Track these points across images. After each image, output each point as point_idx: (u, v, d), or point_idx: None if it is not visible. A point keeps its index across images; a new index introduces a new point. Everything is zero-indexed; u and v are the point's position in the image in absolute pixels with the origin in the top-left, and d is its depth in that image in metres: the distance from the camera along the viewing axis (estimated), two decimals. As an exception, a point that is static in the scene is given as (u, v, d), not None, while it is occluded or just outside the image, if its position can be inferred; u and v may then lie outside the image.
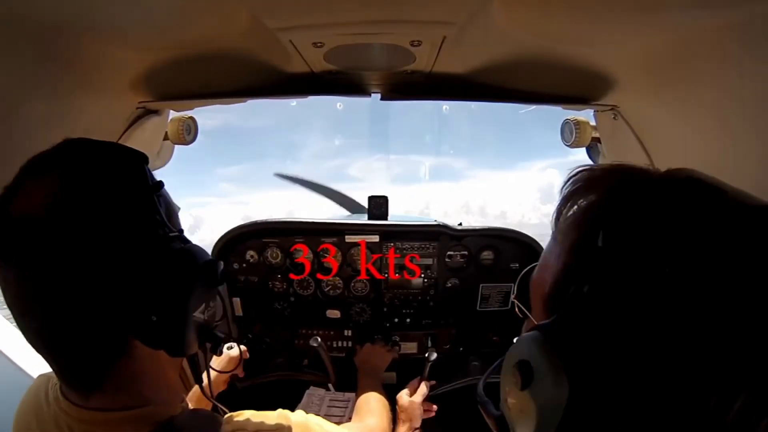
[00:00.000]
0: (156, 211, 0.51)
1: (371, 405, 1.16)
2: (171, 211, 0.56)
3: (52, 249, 0.44)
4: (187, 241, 0.55)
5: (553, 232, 0.43)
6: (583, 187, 0.42)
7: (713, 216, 0.33)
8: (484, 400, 0.57)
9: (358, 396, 1.24)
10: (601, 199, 0.39)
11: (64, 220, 0.45)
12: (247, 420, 0.59)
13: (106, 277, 0.47)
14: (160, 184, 0.54)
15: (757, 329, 0.30)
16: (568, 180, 0.43)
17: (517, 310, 0.52)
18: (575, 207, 0.41)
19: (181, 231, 0.55)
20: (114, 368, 0.51)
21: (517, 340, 0.40)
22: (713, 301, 0.31)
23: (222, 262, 0.60)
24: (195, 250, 0.54)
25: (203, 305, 0.55)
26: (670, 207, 0.34)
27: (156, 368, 0.55)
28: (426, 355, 1.42)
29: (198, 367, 0.61)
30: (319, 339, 1.45)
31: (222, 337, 0.61)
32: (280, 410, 0.65)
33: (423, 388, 1.33)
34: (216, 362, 1.25)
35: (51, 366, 0.52)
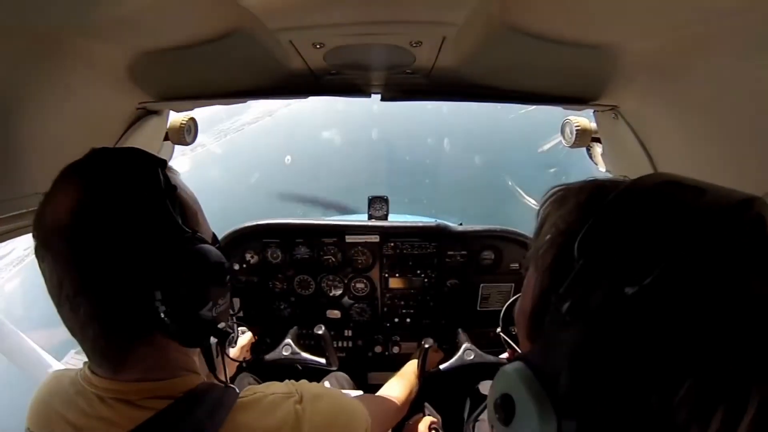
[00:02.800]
0: (169, 213, 0.55)
1: (393, 382, 1.25)
2: (189, 212, 0.61)
3: (77, 248, 0.51)
4: (203, 241, 0.59)
5: (533, 258, 0.41)
6: (555, 208, 0.40)
7: (685, 222, 0.31)
8: None
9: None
10: (571, 216, 0.37)
11: (83, 224, 0.51)
12: (263, 386, 0.64)
13: (122, 272, 0.52)
14: (175, 187, 0.58)
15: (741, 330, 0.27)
16: (544, 202, 0.42)
17: (503, 342, 0.51)
18: (549, 227, 0.39)
19: (195, 231, 0.59)
20: (138, 350, 0.56)
21: (499, 372, 0.38)
22: (692, 309, 0.28)
23: (229, 263, 0.63)
24: (206, 251, 0.58)
25: (210, 303, 0.58)
26: (641, 217, 0.32)
27: (177, 350, 0.60)
28: (422, 342, 1.42)
29: (212, 358, 0.64)
30: (324, 327, 1.45)
31: (229, 333, 0.64)
32: (290, 381, 0.69)
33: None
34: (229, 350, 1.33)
35: (83, 348, 0.56)
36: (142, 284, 0.53)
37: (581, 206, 0.37)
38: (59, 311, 0.54)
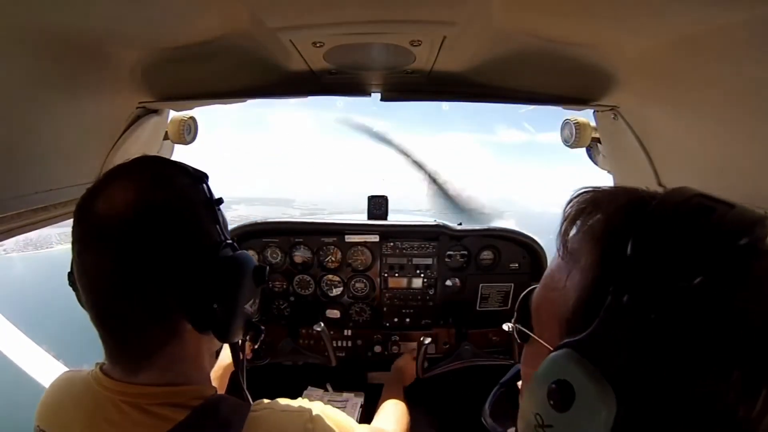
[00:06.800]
0: (217, 220, 0.62)
1: (391, 410, 1.23)
2: (225, 222, 0.67)
3: (131, 241, 0.53)
4: (237, 249, 0.64)
5: (560, 252, 0.43)
6: (589, 208, 0.42)
7: (723, 232, 0.35)
8: (492, 426, 0.58)
9: (383, 400, 1.32)
10: (616, 217, 0.40)
11: (143, 219, 0.54)
12: (273, 402, 0.66)
13: (173, 269, 0.55)
14: (221, 200, 0.64)
15: None
16: (571, 201, 0.44)
17: (516, 334, 0.52)
18: (586, 225, 0.42)
19: (234, 240, 0.64)
20: (165, 347, 0.58)
21: (547, 360, 0.39)
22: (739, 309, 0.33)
23: (268, 267, 0.71)
24: (247, 255, 0.65)
25: (251, 300, 0.66)
26: (685, 224, 0.36)
27: (197, 353, 0.63)
28: (421, 339, 1.42)
29: (238, 354, 0.73)
30: (323, 324, 1.46)
31: (263, 329, 0.71)
32: (300, 399, 0.72)
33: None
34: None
35: (107, 344, 0.58)
36: (197, 277, 0.56)
37: (625, 209, 0.40)
38: (97, 302, 0.56)
